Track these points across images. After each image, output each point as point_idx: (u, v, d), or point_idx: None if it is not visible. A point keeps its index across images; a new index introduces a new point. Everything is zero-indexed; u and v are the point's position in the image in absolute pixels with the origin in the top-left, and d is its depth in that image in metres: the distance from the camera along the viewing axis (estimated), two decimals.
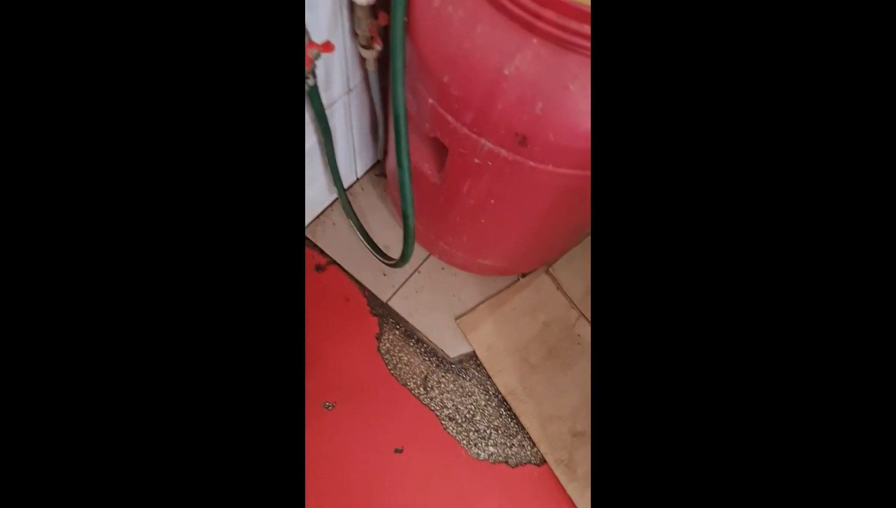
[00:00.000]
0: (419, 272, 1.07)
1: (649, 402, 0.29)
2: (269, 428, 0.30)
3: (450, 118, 0.61)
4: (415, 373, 1.00)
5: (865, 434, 0.26)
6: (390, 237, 1.08)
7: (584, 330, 1.07)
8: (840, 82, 0.26)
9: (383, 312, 1.04)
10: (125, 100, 0.27)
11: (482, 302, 1.06)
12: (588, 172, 0.61)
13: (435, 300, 1.05)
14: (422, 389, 0.99)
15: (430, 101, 0.62)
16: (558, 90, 0.52)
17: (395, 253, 0.93)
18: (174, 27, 0.27)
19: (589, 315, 1.08)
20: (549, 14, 0.47)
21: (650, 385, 0.29)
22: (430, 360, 1.02)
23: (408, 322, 1.03)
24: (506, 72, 0.52)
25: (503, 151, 0.60)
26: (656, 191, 0.29)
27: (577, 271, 1.11)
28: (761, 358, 0.27)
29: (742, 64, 0.27)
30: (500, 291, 1.07)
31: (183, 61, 0.27)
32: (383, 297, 1.04)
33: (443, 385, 1.00)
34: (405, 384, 0.99)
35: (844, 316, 0.26)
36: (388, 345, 1.02)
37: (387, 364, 1.00)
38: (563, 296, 1.09)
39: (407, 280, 1.06)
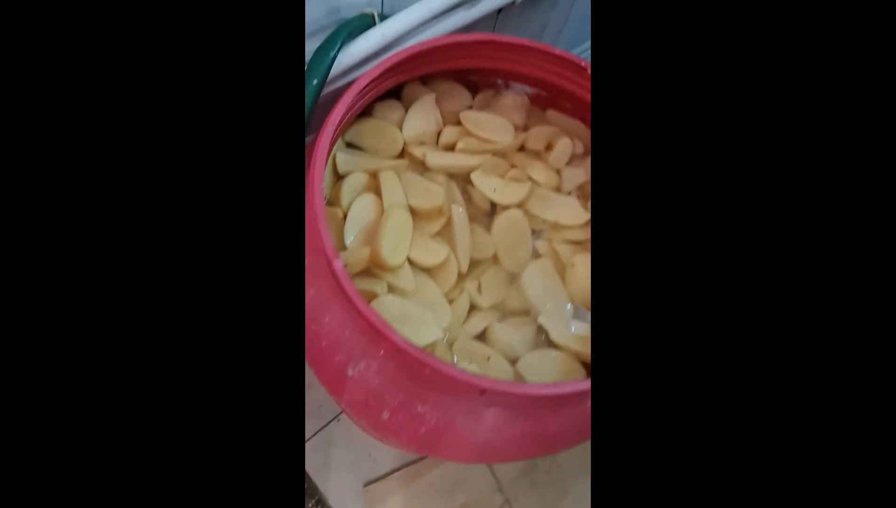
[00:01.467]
0: (338, 422, 0.99)
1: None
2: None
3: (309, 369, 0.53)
4: None
5: (865, 434, 0.24)
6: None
7: None
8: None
9: None
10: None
11: (397, 469, 0.96)
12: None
13: (347, 458, 0.96)
14: None
15: None
16: (405, 408, 0.43)
17: (312, 396, 0.86)
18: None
19: (515, 503, 0.97)
20: (386, 346, 0.39)
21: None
22: None
23: (311, 480, 0.94)
24: (350, 373, 0.44)
25: (363, 423, 0.52)
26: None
27: None
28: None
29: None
30: (421, 458, 0.98)
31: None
32: None
33: None
34: None
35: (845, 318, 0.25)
36: None
37: None
38: (491, 476, 0.98)
39: (322, 429, 0.98)
